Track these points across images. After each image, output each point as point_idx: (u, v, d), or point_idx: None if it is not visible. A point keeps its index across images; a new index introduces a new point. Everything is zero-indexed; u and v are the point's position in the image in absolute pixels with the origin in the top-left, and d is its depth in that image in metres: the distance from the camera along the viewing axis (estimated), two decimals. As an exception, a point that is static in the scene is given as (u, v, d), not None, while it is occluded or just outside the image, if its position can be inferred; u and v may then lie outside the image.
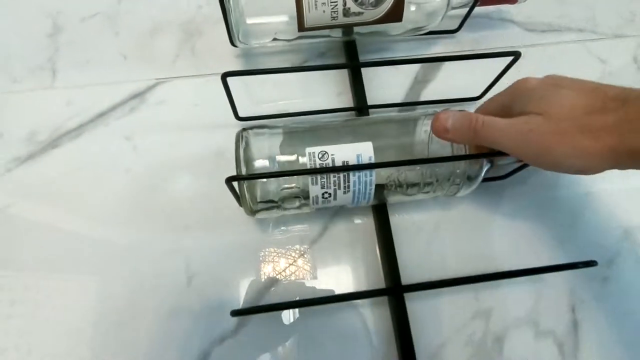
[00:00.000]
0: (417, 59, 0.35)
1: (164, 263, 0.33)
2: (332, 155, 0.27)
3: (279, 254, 0.34)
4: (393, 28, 0.38)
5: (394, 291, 0.32)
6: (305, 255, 0.34)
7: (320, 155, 0.27)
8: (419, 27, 0.39)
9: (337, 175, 0.27)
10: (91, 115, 0.38)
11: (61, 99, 0.39)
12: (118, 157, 0.37)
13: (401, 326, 0.31)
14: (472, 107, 0.38)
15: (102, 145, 0.37)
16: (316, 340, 0.32)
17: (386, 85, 0.40)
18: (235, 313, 0.27)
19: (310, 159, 0.27)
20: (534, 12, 0.45)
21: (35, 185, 0.36)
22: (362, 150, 0.27)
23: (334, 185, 0.28)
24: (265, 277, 0.33)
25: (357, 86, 0.39)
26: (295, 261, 0.34)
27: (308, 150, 0.28)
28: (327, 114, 0.38)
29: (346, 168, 0.27)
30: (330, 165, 0.27)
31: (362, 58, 0.41)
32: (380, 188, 0.30)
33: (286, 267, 0.34)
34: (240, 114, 0.36)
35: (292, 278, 0.33)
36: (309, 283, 0.33)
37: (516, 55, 0.32)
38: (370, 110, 0.39)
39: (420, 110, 0.39)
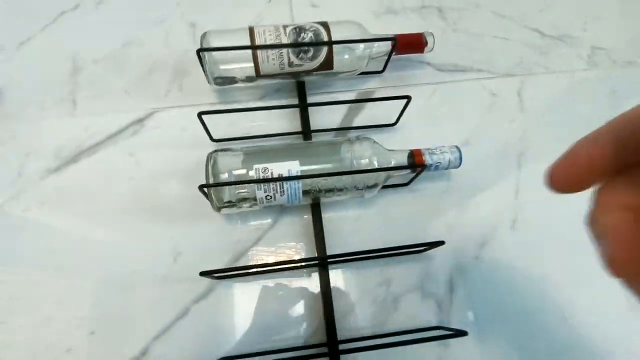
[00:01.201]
0: (339, 101, 0.48)
1: (156, 246, 0.46)
2: (272, 169, 0.40)
3: (243, 240, 0.47)
4: (331, 72, 0.51)
5: (321, 262, 0.45)
6: (261, 240, 0.47)
7: (262, 170, 0.40)
8: (352, 70, 0.52)
9: (275, 184, 0.41)
10: (103, 137, 0.51)
11: (80, 124, 0.52)
12: (123, 168, 0.50)
13: (325, 289, 0.44)
14: (391, 132, 0.51)
15: (111, 160, 0.50)
16: (265, 299, 0.45)
17: (328, 112, 0.53)
18: (203, 274, 0.40)
19: (256, 173, 0.40)
20: (445, 56, 0.58)
21: (63, 188, 0.49)
22: (292, 167, 0.41)
23: (273, 191, 0.41)
24: (231, 254, 0.46)
25: (304, 116, 0.52)
26: (254, 244, 0.47)
27: (255, 166, 0.41)
28: (281, 137, 0.51)
29: (279, 179, 0.40)
30: (270, 177, 0.40)
31: (310, 92, 0.54)
32: (307, 192, 0.43)
33: (248, 248, 0.47)
34: (215, 135, 0.49)
35: (251, 255, 0.46)
36: (264, 259, 0.46)
37: (408, 99, 0.45)
38: (314, 133, 0.52)
39: (346, 136, 0.52)
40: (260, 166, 0.41)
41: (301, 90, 0.54)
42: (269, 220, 0.48)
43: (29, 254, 0.46)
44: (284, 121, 0.53)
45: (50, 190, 0.49)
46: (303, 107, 0.52)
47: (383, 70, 0.55)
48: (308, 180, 0.42)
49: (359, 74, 0.54)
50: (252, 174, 0.41)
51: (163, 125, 0.52)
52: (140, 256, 0.46)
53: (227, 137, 0.50)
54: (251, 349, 0.43)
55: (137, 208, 0.48)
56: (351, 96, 0.55)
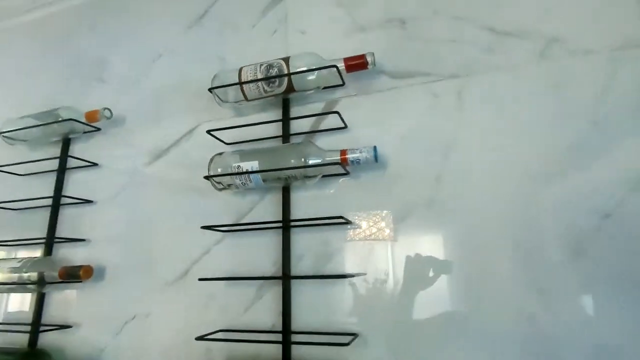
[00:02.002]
0: (303, 115, 0.68)
1: (189, 210, 0.76)
2: (242, 166, 0.65)
3: (241, 209, 0.74)
4: (298, 92, 0.71)
5: (285, 225, 0.68)
6: (252, 210, 0.73)
7: (236, 166, 0.65)
8: (315, 87, 0.71)
9: (245, 175, 0.65)
10: (173, 141, 0.84)
11: (160, 133, 0.85)
12: (181, 163, 0.81)
13: (286, 243, 0.68)
14: (345, 133, 0.69)
15: (177, 158, 0.82)
16: (250, 242, 0.71)
17: (304, 120, 0.74)
18: (205, 227, 0.68)
19: (235, 168, 0.66)
20: (399, 63, 0.70)
21: (154, 172, 0.83)
22: (253, 165, 0.64)
23: (245, 179, 0.66)
24: (234, 218, 0.74)
25: (285, 125, 0.73)
26: (248, 212, 0.73)
27: (233, 164, 0.66)
28: (268, 139, 0.74)
29: (243, 172, 0.64)
30: (242, 171, 0.65)
31: (294, 104, 0.75)
32: (278, 179, 0.66)
33: (244, 215, 0.73)
34: (229, 139, 0.75)
35: (246, 219, 0.73)
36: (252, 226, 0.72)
37: (338, 113, 0.62)
38: (292, 136, 0.73)
39: (298, 141, 0.71)
40: (235, 164, 0.66)
41: (285, 105, 0.75)
42: (258, 197, 0.73)
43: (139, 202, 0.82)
44: (273, 127, 0.75)
45: (147, 172, 0.84)
46: (285, 121, 0.74)
47: (344, 84, 0.72)
48: (273, 173, 0.64)
49: (325, 88, 0.72)
50: (234, 168, 0.66)
51: (202, 133, 0.81)
52: (185, 212, 0.77)
53: (235, 140, 0.76)
54: (239, 274, 0.70)
55: (187, 185, 0.79)
56: (322, 105, 0.74)
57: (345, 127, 0.70)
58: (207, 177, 0.68)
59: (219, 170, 0.68)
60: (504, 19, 0.66)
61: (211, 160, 0.69)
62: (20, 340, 0.82)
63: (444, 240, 0.61)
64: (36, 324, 0.82)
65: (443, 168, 0.64)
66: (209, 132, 0.70)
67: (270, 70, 0.68)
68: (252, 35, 0.84)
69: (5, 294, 0.90)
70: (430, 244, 0.62)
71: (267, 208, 0.72)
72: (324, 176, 0.68)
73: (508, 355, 0.55)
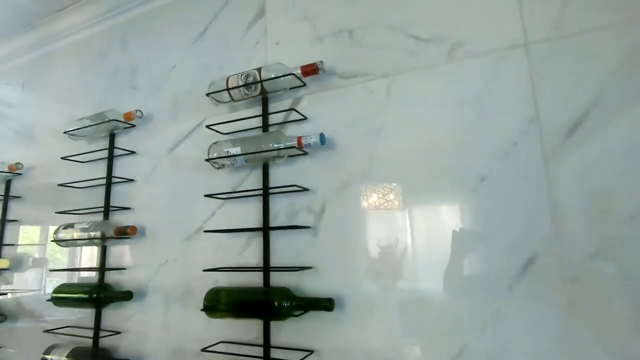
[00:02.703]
0: (277, 111, 0.92)
1: (195, 191, 1.04)
2: (231, 151, 0.91)
3: (233, 183, 1.00)
4: (269, 93, 0.94)
5: (265, 192, 0.94)
6: (243, 182, 0.99)
7: (226, 151, 0.91)
8: (283, 88, 0.94)
9: (232, 157, 0.91)
10: (187, 132, 1.11)
11: (177, 128, 1.13)
12: (193, 150, 1.08)
13: (265, 207, 0.93)
14: (306, 123, 0.92)
15: (190, 146, 1.09)
16: (242, 205, 0.98)
17: (278, 114, 0.97)
18: (207, 195, 0.95)
19: (225, 152, 0.91)
20: (347, 67, 0.91)
21: (174, 157, 1.11)
22: (237, 150, 0.90)
23: (232, 160, 0.91)
24: (227, 190, 1.00)
25: (264, 118, 0.98)
26: (240, 184, 0.99)
27: (224, 149, 0.92)
28: (253, 129, 0.99)
29: (231, 155, 0.90)
30: (229, 154, 0.91)
31: (272, 101, 0.98)
32: (258, 159, 0.91)
33: (237, 186, 0.99)
34: (224, 131, 1.01)
35: (240, 187, 0.99)
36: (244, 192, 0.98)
37: (292, 109, 0.86)
38: (270, 127, 0.97)
39: (271, 131, 0.95)
40: (226, 150, 0.91)
41: (265, 103, 0.99)
42: (246, 173, 0.99)
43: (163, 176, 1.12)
44: (257, 120, 1.00)
45: (170, 157, 1.12)
46: (265, 115, 0.98)
47: (304, 84, 0.94)
48: (251, 155, 0.89)
49: (291, 88, 0.95)
50: (223, 152, 0.92)
51: (203, 127, 1.07)
52: (197, 186, 1.05)
53: (230, 131, 1.01)
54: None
55: (197, 166, 1.06)
56: (290, 101, 0.97)
57: (305, 118, 0.93)
58: (207, 160, 0.94)
59: (215, 155, 0.94)
60: (425, 28, 0.84)
61: (210, 147, 0.95)
62: (92, 279, 1.17)
63: (371, 204, 0.84)
64: (102, 268, 1.15)
65: (374, 149, 0.85)
66: (208, 126, 0.96)
67: (248, 79, 0.92)
68: (241, 46, 1.08)
69: (79, 248, 1.24)
70: (361, 204, 0.85)
71: (253, 181, 0.98)
72: (290, 156, 0.92)
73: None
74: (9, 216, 1.45)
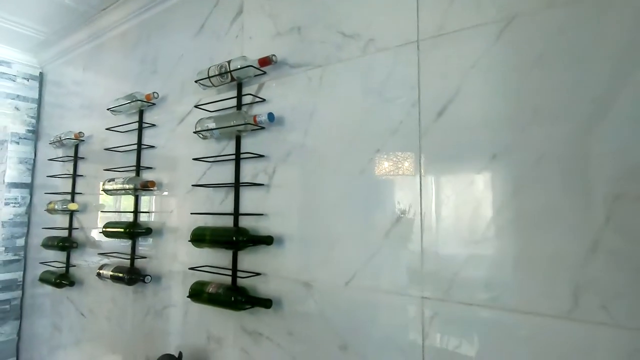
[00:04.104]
0: (249, 93, 1.19)
1: (194, 152, 1.36)
2: (209, 125, 1.21)
3: (216, 150, 1.31)
4: (237, 79, 1.21)
5: (237, 157, 1.24)
6: (224, 149, 1.29)
7: (206, 126, 1.21)
8: (249, 76, 1.20)
9: (210, 130, 1.21)
10: (187, 112, 1.43)
11: (182, 106, 1.45)
12: (191, 125, 1.40)
13: (237, 172, 1.23)
14: (265, 105, 1.19)
15: (190, 122, 1.42)
16: (221, 168, 1.29)
17: (248, 97, 1.24)
18: (195, 159, 1.27)
19: (207, 126, 1.22)
20: (295, 58, 1.14)
21: (180, 131, 1.45)
22: (213, 124, 1.19)
23: (211, 133, 1.21)
24: (214, 155, 1.31)
25: (239, 101, 1.25)
26: (222, 150, 1.30)
27: (205, 124, 1.22)
28: (229, 109, 1.27)
29: (210, 129, 1.20)
30: (208, 128, 1.21)
31: (245, 86, 1.25)
32: (232, 132, 1.20)
33: (220, 152, 1.30)
34: (211, 109, 1.31)
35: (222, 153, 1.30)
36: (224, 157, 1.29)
37: (263, 99, 1.12)
38: (242, 107, 1.25)
39: (243, 109, 1.23)
40: (206, 124, 1.21)
41: (239, 87, 1.26)
42: (226, 142, 1.29)
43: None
44: (234, 101, 1.27)
45: (177, 130, 1.46)
46: (238, 97, 1.25)
47: (265, 73, 1.19)
48: (223, 129, 1.18)
49: (255, 75, 1.20)
50: (204, 126, 1.22)
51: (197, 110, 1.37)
52: (194, 152, 1.37)
53: (216, 109, 1.31)
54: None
55: (194, 137, 1.38)
56: (256, 86, 1.23)
57: (264, 100, 1.19)
58: (194, 132, 1.25)
59: (199, 128, 1.24)
60: (350, 25, 1.04)
61: (196, 123, 1.26)
62: (128, 220, 1.59)
63: (305, 168, 1.09)
64: (135, 211, 1.56)
65: (309, 126, 1.09)
66: (196, 106, 1.26)
67: (221, 69, 1.20)
68: (225, 40, 1.34)
69: (118, 197, 1.67)
70: (297, 170, 1.10)
71: (230, 149, 1.28)
72: (253, 130, 1.19)
73: (327, 224, 1.04)
74: (78, 172, 1.93)
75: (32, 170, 2.29)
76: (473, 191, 0.82)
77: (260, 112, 1.17)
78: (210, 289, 1.16)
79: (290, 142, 1.13)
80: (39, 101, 2.34)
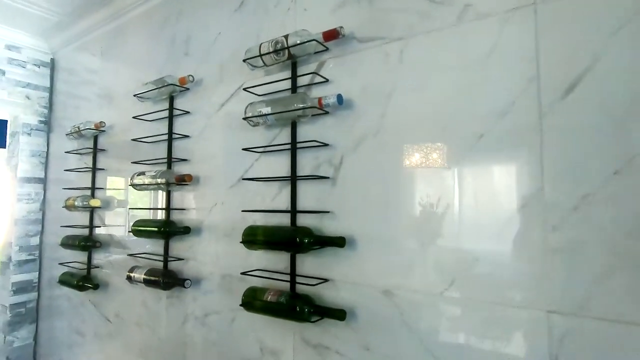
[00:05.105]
0: (303, 74, 1.04)
1: (239, 142, 1.21)
2: (263, 110, 1.05)
3: (268, 138, 1.15)
4: (299, 55, 1.05)
5: (293, 147, 1.08)
6: (276, 138, 1.14)
7: (259, 111, 1.06)
8: (309, 53, 1.04)
9: (264, 117, 1.05)
10: (228, 96, 1.27)
11: (222, 90, 1.29)
12: (234, 110, 1.25)
13: (293, 162, 1.08)
14: (329, 85, 1.03)
15: (233, 107, 1.26)
16: (275, 158, 1.14)
17: (305, 77, 1.08)
18: (244, 149, 1.12)
19: (259, 112, 1.06)
20: (364, 31, 0.98)
21: (224, 113, 1.29)
22: (267, 109, 1.04)
23: (264, 119, 1.06)
24: (265, 143, 1.16)
25: (293, 81, 1.10)
26: (274, 139, 1.15)
27: (258, 109, 1.06)
28: (282, 92, 1.12)
29: (263, 115, 1.04)
30: (262, 114, 1.05)
31: (300, 65, 1.10)
32: (287, 118, 1.05)
33: (272, 140, 1.15)
34: (259, 93, 1.15)
35: (274, 142, 1.15)
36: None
37: (315, 73, 0.97)
38: (298, 89, 1.09)
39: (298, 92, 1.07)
40: (259, 110, 1.06)
41: (294, 66, 1.10)
42: (278, 130, 1.14)
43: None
44: (288, 82, 1.12)
45: (216, 117, 1.30)
46: (293, 78, 1.10)
47: (327, 49, 1.03)
48: (280, 114, 1.03)
49: (316, 52, 1.05)
50: (257, 111, 1.07)
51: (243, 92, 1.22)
52: (239, 141, 1.22)
53: (265, 93, 1.15)
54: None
55: (238, 124, 1.22)
56: (315, 65, 1.07)
57: (327, 81, 1.03)
58: (244, 118, 1.10)
59: (250, 114, 1.09)
60: (437, -11, 0.88)
61: (246, 107, 1.11)
62: (161, 217, 1.44)
63: (382, 158, 0.94)
64: (168, 207, 1.41)
65: (386, 109, 0.94)
66: (245, 89, 1.11)
67: (277, 45, 1.04)
68: (275, 14, 1.18)
69: (152, 192, 1.52)
70: (372, 161, 0.96)
71: (283, 137, 1.13)
72: (314, 115, 1.04)
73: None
74: (98, 165, 1.78)
75: (45, 164, 2.13)
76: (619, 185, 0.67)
77: (322, 93, 1.02)
78: (269, 297, 1.02)
79: (362, 128, 0.98)
80: (51, 90, 2.17)
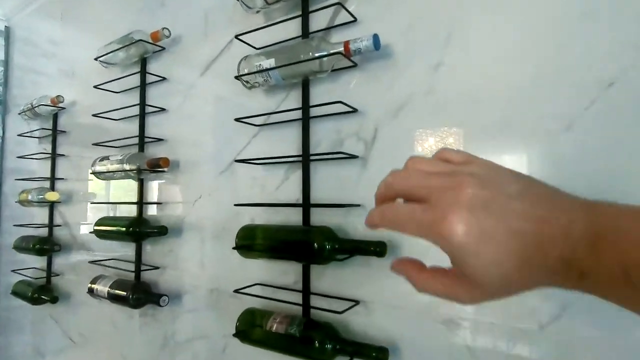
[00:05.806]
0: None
1: (231, 112, 0.90)
2: (263, 64, 0.75)
3: (269, 106, 0.85)
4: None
5: (305, 116, 0.78)
6: (281, 105, 0.84)
7: (258, 65, 0.75)
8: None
9: (265, 72, 0.75)
10: (216, 54, 0.96)
11: (207, 48, 0.98)
12: (225, 71, 0.94)
13: (305, 125, 0.78)
14: (354, 27, 0.73)
15: (221, 67, 0.95)
16: (278, 132, 0.83)
17: (321, 20, 0.78)
18: (237, 119, 0.82)
19: (256, 67, 0.76)
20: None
21: (218, 70, 0.98)
22: (271, 62, 0.73)
23: (266, 76, 0.76)
24: (263, 117, 0.86)
25: (304, 25, 0.79)
26: (277, 106, 0.84)
27: (255, 63, 0.76)
28: (287, 41, 0.81)
29: (263, 70, 0.74)
30: (262, 68, 0.75)
31: (311, 4, 0.79)
32: (295, 75, 0.74)
33: (274, 109, 0.85)
34: (257, 45, 0.85)
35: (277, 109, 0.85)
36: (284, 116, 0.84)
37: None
38: (311, 35, 0.79)
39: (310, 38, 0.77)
40: (257, 63, 0.75)
41: (305, 4, 0.80)
42: (284, 94, 0.83)
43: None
44: (296, 29, 0.82)
45: (200, 82, 1.00)
46: (304, 17, 0.79)
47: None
48: (288, 69, 0.73)
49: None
50: (256, 66, 0.76)
51: (239, 43, 0.91)
52: (230, 111, 0.92)
53: (265, 45, 0.85)
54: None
55: (230, 90, 0.92)
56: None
57: (355, 20, 0.73)
58: (236, 77, 0.79)
59: (245, 71, 0.79)
60: None
61: (239, 62, 0.80)
62: (133, 212, 1.13)
63: (438, 128, 0.65)
64: (140, 202, 1.10)
65: (443, 57, 0.64)
66: (237, 36, 0.80)
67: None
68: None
69: (115, 182, 1.21)
70: (424, 131, 0.66)
71: (291, 103, 0.83)
72: (335, 70, 0.74)
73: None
74: (59, 151, 1.46)
75: (1, 151, 1.80)
76: None
77: (351, 36, 0.72)
78: (275, 325, 0.73)
79: (406, 86, 0.68)
80: (6, 63, 1.83)
